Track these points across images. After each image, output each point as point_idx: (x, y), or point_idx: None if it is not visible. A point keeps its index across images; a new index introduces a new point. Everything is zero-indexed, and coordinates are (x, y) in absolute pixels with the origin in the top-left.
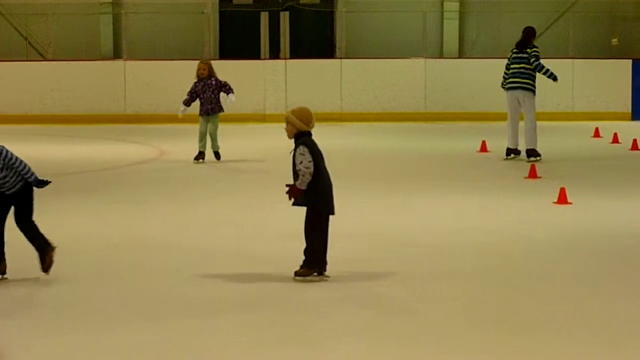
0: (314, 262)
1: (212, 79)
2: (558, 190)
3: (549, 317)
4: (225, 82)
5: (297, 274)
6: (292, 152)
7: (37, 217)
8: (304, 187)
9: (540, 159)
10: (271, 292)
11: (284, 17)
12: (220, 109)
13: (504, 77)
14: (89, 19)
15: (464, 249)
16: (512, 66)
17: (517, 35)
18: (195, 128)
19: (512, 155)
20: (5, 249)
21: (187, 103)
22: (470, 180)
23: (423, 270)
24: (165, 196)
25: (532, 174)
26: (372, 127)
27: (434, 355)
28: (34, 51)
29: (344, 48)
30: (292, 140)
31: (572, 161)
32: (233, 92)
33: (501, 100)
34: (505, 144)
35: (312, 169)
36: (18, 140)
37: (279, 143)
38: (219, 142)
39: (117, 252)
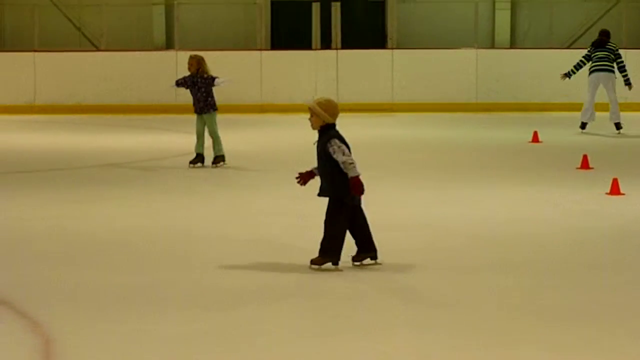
0: (330, 251)
1: (199, 77)
2: (610, 181)
3: (601, 308)
4: (207, 77)
5: (312, 262)
6: (316, 143)
7: (84, 207)
8: (360, 173)
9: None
10: (317, 283)
11: (336, 8)
12: (210, 109)
13: (577, 67)
14: (141, 10)
15: (515, 240)
16: (596, 55)
17: (569, 26)
18: (247, 118)
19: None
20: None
21: (177, 84)
22: (522, 171)
23: (473, 262)
24: (216, 186)
25: (585, 165)
26: (423, 118)
27: (484, 347)
28: (87, 42)
29: (395, 38)
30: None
31: (625, 152)
32: (215, 78)
33: (553, 90)
34: (557, 133)
35: (352, 157)
36: (71, 130)
37: None
38: (221, 145)
39: (161, 242)
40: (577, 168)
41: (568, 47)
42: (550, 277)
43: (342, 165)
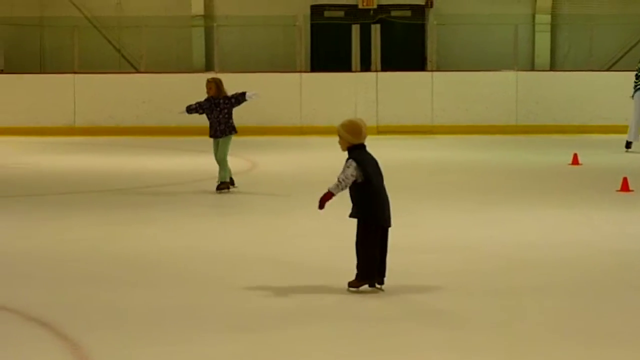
0: (364, 274)
1: (220, 99)
2: None
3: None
4: (232, 95)
5: (350, 284)
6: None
7: (123, 228)
8: (333, 191)
9: None
10: (346, 306)
11: (375, 30)
12: (231, 131)
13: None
14: (181, 32)
15: (555, 263)
16: None
17: (609, 48)
18: (286, 140)
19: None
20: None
21: (188, 110)
22: (562, 194)
23: (513, 284)
24: (255, 208)
25: (625, 187)
26: (462, 140)
27: None
28: (127, 63)
29: (435, 61)
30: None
31: None
32: (245, 93)
33: (593, 112)
34: (597, 155)
35: (350, 181)
36: (110, 152)
37: None
38: (227, 173)
39: (198, 264)
40: (617, 190)
41: (608, 70)
42: (589, 300)
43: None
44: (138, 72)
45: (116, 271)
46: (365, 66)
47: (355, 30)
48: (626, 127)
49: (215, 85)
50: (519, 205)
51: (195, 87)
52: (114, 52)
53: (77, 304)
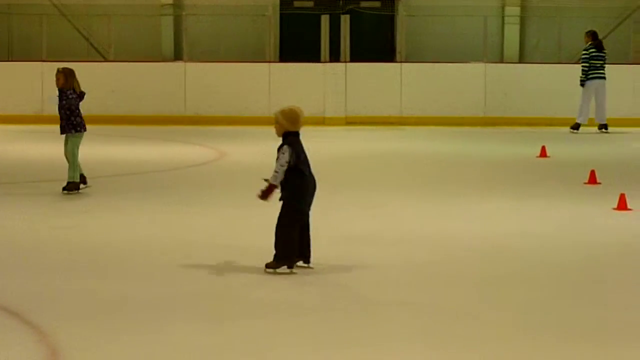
0: (283, 256)
1: (67, 91)
2: (618, 196)
3: (608, 324)
4: (82, 93)
5: (267, 266)
6: (278, 148)
7: (92, 217)
8: (274, 183)
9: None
10: (330, 295)
11: (345, 20)
12: (71, 129)
13: (588, 68)
14: (150, 21)
15: (522, 254)
16: (596, 62)
17: (578, 41)
18: (255, 130)
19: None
20: None
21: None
22: (529, 186)
23: (480, 275)
24: (224, 197)
25: (592, 180)
26: (431, 131)
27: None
28: (96, 52)
29: (404, 52)
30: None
31: (632, 167)
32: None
33: (561, 105)
34: (565, 148)
35: (285, 168)
36: None
37: (339, 147)
38: (77, 172)
39: (176, 253)
40: (585, 183)
41: (576, 62)
42: (556, 292)
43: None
44: (107, 60)
45: (85, 260)
46: (335, 57)
47: (325, 20)
48: (593, 119)
49: (63, 76)
50: (488, 197)
51: (164, 76)
52: (83, 40)
53: (46, 294)
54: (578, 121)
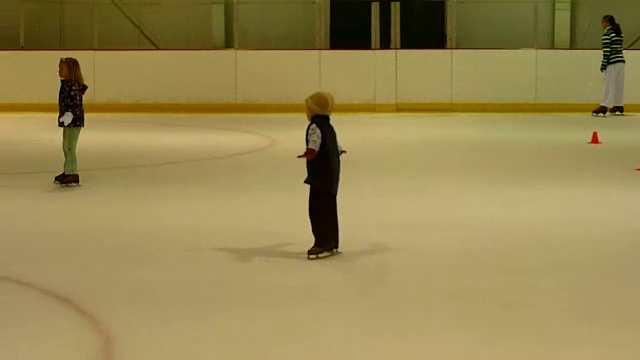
0: (322, 240)
1: (70, 82)
2: None
3: None
4: (83, 87)
5: (310, 252)
6: (307, 129)
7: (141, 205)
8: (315, 147)
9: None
10: (360, 284)
11: (395, 7)
12: (70, 124)
13: (612, 51)
14: (200, 9)
15: (573, 241)
16: (617, 46)
17: (629, 26)
18: (305, 118)
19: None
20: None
21: None
22: (581, 172)
23: (531, 262)
24: (273, 184)
25: None
26: (481, 118)
27: (539, 349)
28: (147, 40)
29: (454, 38)
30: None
31: None
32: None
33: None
34: (617, 134)
35: (320, 141)
36: (130, 129)
37: (389, 133)
38: (75, 165)
39: (218, 240)
40: (637, 169)
41: (628, 48)
42: (607, 279)
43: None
44: (158, 49)
45: (135, 248)
46: (385, 44)
47: (375, 7)
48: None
49: (67, 67)
50: (538, 184)
51: (215, 64)
52: (134, 29)
53: (97, 281)
54: (604, 104)
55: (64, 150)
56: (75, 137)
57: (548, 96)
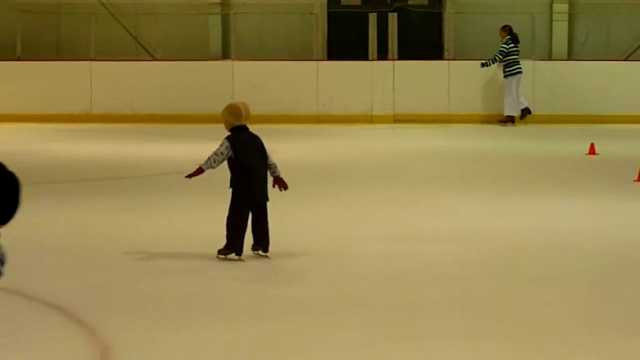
0: (230, 244)
1: None
2: None
3: None
4: None
5: (219, 252)
6: None
7: (139, 216)
8: (204, 167)
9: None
10: (366, 293)
11: (392, 18)
12: None
13: (512, 62)
14: (197, 19)
15: (571, 252)
16: (515, 57)
17: (627, 38)
18: (303, 128)
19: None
20: None
21: None
22: (577, 183)
23: (533, 272)
24: (270, 195)
25: None
26: (479, 129)
27: (545, 358)
28: (144, 51)
29: (452, 49)
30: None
31: None
32: None
33: (610, 102)
34: (614, 145)
35: (219, 158)
36: (126, 139)
37: (386, 144)
38: None
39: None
40: (635, 180)
41: (626, 59)
42: (609, 289)
43: None
44: (155, 59)
45: (132, 258)
46: (382, 54)
47: (372, 18)
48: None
49: None
50: (536, 195)
51: (212, 75)
52: (131, 39)
53: (94, 291)
54: (511, 114)
55: None
56: None
57: (545, 107)
